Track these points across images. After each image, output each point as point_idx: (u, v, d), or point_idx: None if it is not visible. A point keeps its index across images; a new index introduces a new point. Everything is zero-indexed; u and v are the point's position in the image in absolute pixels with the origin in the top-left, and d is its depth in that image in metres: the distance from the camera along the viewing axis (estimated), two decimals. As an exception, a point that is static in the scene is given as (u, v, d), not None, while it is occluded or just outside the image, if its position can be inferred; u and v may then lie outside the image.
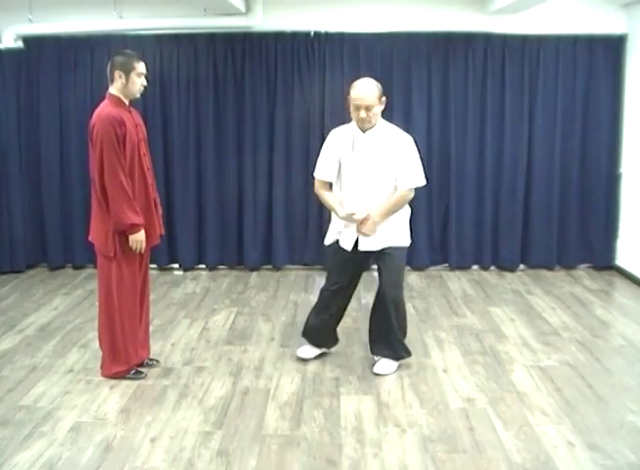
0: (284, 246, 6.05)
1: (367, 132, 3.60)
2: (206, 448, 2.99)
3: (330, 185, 3.78)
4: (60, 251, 6.03)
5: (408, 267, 5.63)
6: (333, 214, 3.78)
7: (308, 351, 4.02)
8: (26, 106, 5.89)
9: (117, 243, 3.52)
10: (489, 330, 4.52)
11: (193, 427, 3.19)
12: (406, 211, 3.77)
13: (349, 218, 3.66)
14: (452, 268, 6.05)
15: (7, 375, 3.78)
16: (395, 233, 3.69)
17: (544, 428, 3.16)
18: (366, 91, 3.50)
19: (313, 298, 5.25)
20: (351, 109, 3.55)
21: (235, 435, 3.12)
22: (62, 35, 5.78)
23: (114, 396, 3.52)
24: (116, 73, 3.48)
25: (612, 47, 5.74)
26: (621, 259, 5.91)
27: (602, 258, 5.99)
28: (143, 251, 3.60)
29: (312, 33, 5.75)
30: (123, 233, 3.50)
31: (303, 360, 3.98)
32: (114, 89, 3.52)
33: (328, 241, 3.88)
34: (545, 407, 3.37)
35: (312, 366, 3.91)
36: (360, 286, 5.51)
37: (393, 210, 3.62)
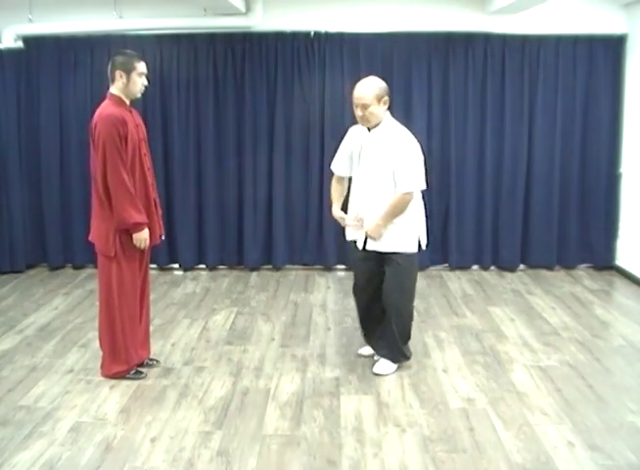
0: (284, 246, 6.05)
1: (372, 131, 3.61)
2: (206, 448, 2.99)
3: (348, 179, 3.82)
4: (60, 251, 6.03)
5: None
6: None
7: (366, 349, 4.03)
8: (26, 106, 5.89)
9: (118, 243, 3.52)
10: (489, 330, 4.52)
11: (193, 427, 3.19)
12: (413, 216, 3.66)
13: (341, 220, 3.72)
14: (452, 268, 6.05)
15: (7, 375, 3.77)
16: (400, 238, 3.63)
17: (544, 428, 3.16)
18: (362, 90, 3.51)
19: (313, 298, 5.28)
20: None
21: (235, 435, 3.12)
22: (62, 35, 5.78)
23: (114, 396, 3.52)
24: (117, 73, 3.48)
25: (612, 47, 5.74)
26: (621, 259, 5.91)
27: (602, 258, 5.99)
28: (146, 249, 3.61)
29: (312, 33, 5.75)
30: (126, 232, 3.50)
31: (304, 360, 3.99)
32: (114, 89, 3.52)
33: (347, 237, 3.87)
34: (545, 407, 3.37)
35: (312, 366, 3.91)
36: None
37: (393, 212, 3.58)
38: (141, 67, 3.53)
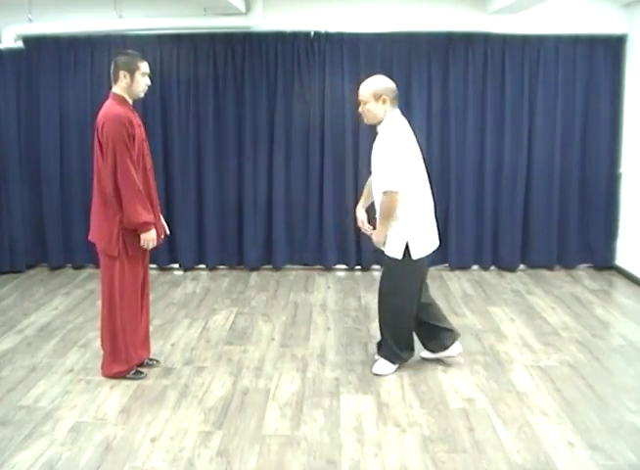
0: (284, 246, 6.05)
1: (377, 129, 3.65)
2: (206, 448, 3.00)
3: None
4: (60, 251, 6.03)
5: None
6: None
7: (426, 353, 3.98)
8: (26, 106, 5.89)
9: (122, 242, 3.52)
10: (489, 330, 4.52)
11: (193, 427, 3.19)
12: (403, 220, 3.58)
13: (358, 221, 3.88)
14: (452, 268, 6.05)
15: (7, 375, 3.77)
16: (388, 242, 3.64)
17: (544, 428, 3.16)
18: (362, 86, 3.58)
19: (313, 298, 5.28)
20: None
21: (235, 435, 3.12)
22: (62, 35, 5.78)
23: (114, 396, 3.52)
24: (121, 73, 3.48)
25: (612, 47, 5.73)
26: (621, 259, 5.91)
27: (602, 258, 5.99)
28: (153, 248, 3.63)
29: (312, 33, 5.75)
30: (130, 232, 3.50)
31: (304, 360, 3.99)
32: (118, 89, 3.52)
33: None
34: (545, 407, 3.37)
35: (312, 366, 3.91)
36: (360, 286, 5.59)
37: (382, 214, 3.60)
38: (144, 66, 3.53)
